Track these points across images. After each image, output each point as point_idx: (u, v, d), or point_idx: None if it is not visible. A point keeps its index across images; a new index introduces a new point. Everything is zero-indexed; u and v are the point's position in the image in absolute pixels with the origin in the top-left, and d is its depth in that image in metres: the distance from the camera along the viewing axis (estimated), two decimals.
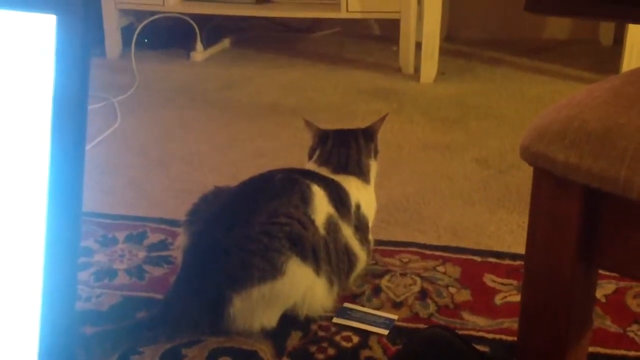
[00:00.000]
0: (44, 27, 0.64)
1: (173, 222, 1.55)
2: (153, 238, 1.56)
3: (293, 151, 1.98)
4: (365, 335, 1.27)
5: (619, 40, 2.60)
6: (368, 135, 1.49)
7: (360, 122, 1.61)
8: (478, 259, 1.49)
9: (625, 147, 0.75)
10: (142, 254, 1.50)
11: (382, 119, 1.51)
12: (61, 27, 0.64)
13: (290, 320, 1.27)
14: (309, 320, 1.28)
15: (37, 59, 0.64)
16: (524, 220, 1.60)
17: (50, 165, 0.64)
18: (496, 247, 1.53)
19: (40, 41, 0.64)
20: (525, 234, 0.86)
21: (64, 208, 0.64)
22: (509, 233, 1.60)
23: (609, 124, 0.79)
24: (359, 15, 2.71)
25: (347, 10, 2.67)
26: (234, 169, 1.93)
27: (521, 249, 1.06)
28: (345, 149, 1.46)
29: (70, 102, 0.65)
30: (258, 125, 2.24)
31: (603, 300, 1.36)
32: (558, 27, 3.01)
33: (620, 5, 1.21)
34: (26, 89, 0.65)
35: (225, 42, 3.05)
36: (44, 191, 0.64)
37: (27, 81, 0.65)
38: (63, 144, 0.65)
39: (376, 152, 1.50)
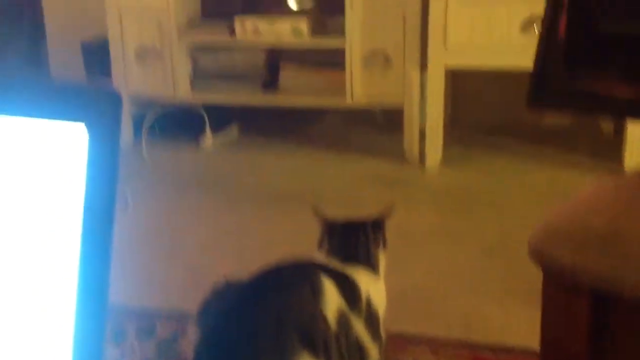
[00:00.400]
0: (75, 135, 0.67)
1: (183, 315, 1.55)
2: (163, 332, 1.57)
3: (300, 239, 2.00)
4: None
5: (620, 129, 2.66)
6: (376, 225, 1.51)
7: (366, 210, 1.64)
8: (490, 354, 1.49)
9: (631, 250, 0.78)
10: (152, 349, 1.51)
11: (390, 208, 1.53)
12: (92, 135, 0.67)
13: None
14: None
15: (67, 166, 0.67)
16: (533, 313, 1.61)
17: (80, 266, 0.67)
18: (507, 341, 1.53)
19: (71, 149, 0.67)
20: (536, 328, 0.87)
21: (92, 308, 0.66)
22: (519, 326, 1.60)
23: (615, 227, 0.82)
24: (363, 105, 2.78)
25: (352, 100, 2.75)
26: (243, 257, 1.94)
27: (532, 343, 1.06)
28: (354, 240, 1.47)
29: (100, 208, 0.67)
30: (265, 212, 2.27)
31: None
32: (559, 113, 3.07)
33: (619, 104, 1.26)
34: (57, 195, 0.67)
35: (234, 129, 3.11)
36: (72, 294, 0.66)
37: (57, 187, 0.67)
38: (92, 247, 0.67)
39: (385, 243, 1.52)
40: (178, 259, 1.95)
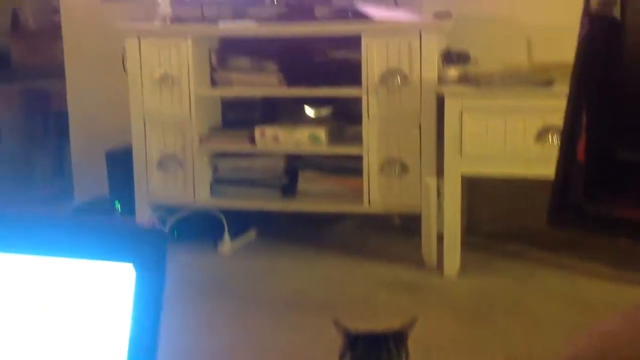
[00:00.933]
0: (123, 275, 0.70)
1: None
2: None
3: (320, 349, 1.99)
4: None
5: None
6: (399, 339, 1.50)
7: (385, 317, 1.63)
8: None
9: None
10: None
11: (413, 322, 1.53)
12: (139, 275, 0.70)
13: None
14: None
15: (115, 305, 0.69)
16: None
17: None
18: None
19: (119, 288, 0.70)
20: None
21: None
22: None
23: None
24: (380, 210, 2.80)
25: (369, 205, 2.78)
26: None
27: None
28: (377, 354, 1.47)
29: (144, 344, 0.69)
30: (283, 320, 2.26)
31: None
32: None
33: (635, 228, 1.28)
34: (104, 332, 0.69)
35: (252, 234, 3.13)
36: None
37: (105, 324, 0.69)
38: None
39: (407, 356, 1.51)
40: None
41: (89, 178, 3.35)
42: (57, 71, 3.44)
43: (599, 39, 1.24)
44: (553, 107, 2.34)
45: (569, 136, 1.33)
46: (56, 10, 3.43)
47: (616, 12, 1.25)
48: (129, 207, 2.99)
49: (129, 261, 0.70)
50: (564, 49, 2.58)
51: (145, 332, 0.69)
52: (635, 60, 1.20)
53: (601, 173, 1.28)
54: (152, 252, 0.71)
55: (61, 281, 0.71)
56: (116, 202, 3.07)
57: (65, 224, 0.73)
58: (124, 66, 2.96)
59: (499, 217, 3.05)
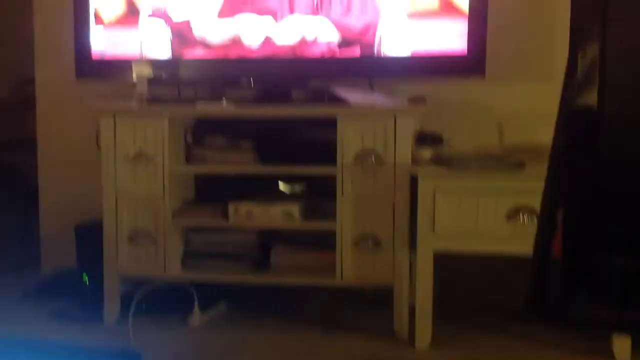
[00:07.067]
0: None
1: None
2: None
3: None
4: None
5: None
6: None
7: None
8: None
9: None
10: None
11: None
12: None
13: None
14: None
15: None
16: None
17: None
18: None
19: None
20: None
21: None
22: None
23: None
24: (353, 284, 2.82)
25: (342, 279, 2.79)
26: None
27: None
28: None
29: None
30: None
31: None
32: None
33: (608, 325, 1.31)
34: None
35: (222, 306, 3.11)
36: None
37: None
38: None
39: None
40: None
41: (57, 250, 3.31)
42: (27, 144, 3.42)
43: (578, 142, 1.27)
44: (524, 188, 2.44)
45: (543, 234, 1.35)
46: (28, 82, 3.43)
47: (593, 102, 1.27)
48: (97, 280, 2.95)
49: None
50: (533, 131, 2.67)
51: None
52: (613, 157, 1.23)
53: (577, 273, 1.31)
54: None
55: None
56: (84, 274, 3.03)
57: (43, 346, 0.74)
58: (97, 143, 2.96)
59: (472, 290, 3.08)
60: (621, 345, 2.47)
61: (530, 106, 2.95)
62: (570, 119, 1.29)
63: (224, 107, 2.86)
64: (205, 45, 2.97)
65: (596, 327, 1.29)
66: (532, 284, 1.33)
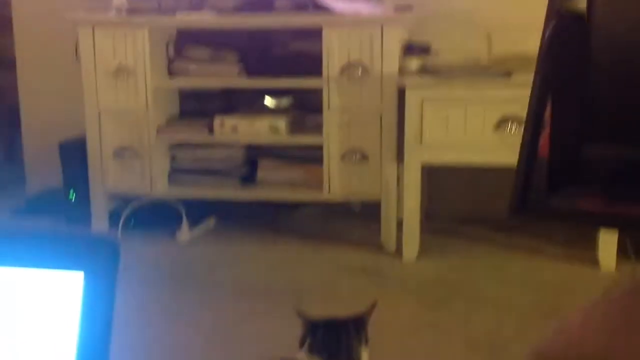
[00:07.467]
0: (72, 283, 0.68)
1: None
2: None
3: (281, 335, 1.99)
4: None
5: None
6: (359, 324, 1.53)
7: (345, 303, 1.65)
8: None
9: None
10: None
11: (372, 307, 1.55)
12: (88, 283, 0.68)
13: None
14: None
15: (65, 314, 0.68)
16: None
17: None
18: None
19: (68, 296, 0.68)
20: None
21: None
22: None
23: (606, 354, 0.84)
24: (340, 198, 2.82)
25: (329, 193, 2.79)
26: (220, 355, 1.92)
27: None
28: (337, 339, 1.49)
29: (94, 354, 0.68)
30: (243, 307, 2.26)
31: None
32: None
33: (595, 218, 1.31)
34: (53, 343, 0.68)
35: (210, 222, 3.11)
36: None
37: (54, 335, 0.68)
38: None
39: (367, 341, 1.53)
40: (152, 355, 1.92)
41: (42, 169, 3.28)
42: (7, 64, 3.35)
43: (566, 34, 1.26)
44: (512, 97, 2.42)
45: (531, 132, 1.34)
46: (6, 4, 3.34)
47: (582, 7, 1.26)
48: (84, 197, 2.94)
49: (80, 269, 0.68)
50: (522, 42, 2.63)
51: (95, 341, 0.68)
52: (602, 57, 1.22)
53: (564, 167, 1.30)
54: (104, 260, 0.70)
55: (10, 290, 0.69)
56: (70, 191, 3.02)
57: (16, 233, 0.72)
58: (77, 55, 2.90)
59: (458, 203, 3.10)
60: (606, 252, 2.50)
61: (519, 16, 2.89)
62: (560, 21, 1.27)
63: (206, 17, 2.79)
64: None
65: (582, 220, 1.29)
66: (518, 182, 1.33)
